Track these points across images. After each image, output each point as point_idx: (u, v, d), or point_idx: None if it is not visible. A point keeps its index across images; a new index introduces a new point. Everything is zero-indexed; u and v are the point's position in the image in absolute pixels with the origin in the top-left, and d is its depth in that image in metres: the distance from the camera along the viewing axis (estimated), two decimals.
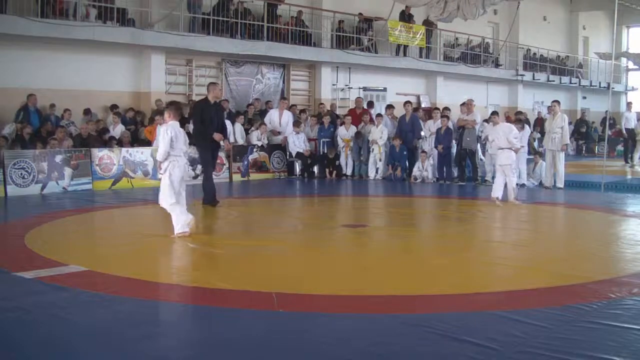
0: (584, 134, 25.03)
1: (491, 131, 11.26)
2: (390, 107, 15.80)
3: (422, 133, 14.44)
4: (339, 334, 4.13)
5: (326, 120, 15.09)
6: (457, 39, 22.84)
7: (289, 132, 14.93)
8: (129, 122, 14.18)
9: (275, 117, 15.10)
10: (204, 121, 9.72)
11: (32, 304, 4.72)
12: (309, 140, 15.08)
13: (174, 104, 7.72)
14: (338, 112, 17.22)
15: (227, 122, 14.21)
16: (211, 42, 15.47)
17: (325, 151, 14.91)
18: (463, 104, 14.32)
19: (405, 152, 14.21)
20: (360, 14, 19.66)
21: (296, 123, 15.05)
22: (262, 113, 15.92)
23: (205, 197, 9.88)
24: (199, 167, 13.39)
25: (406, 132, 14.33)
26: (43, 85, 13.48)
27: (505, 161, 10.27)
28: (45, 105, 13.33)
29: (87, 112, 13.94)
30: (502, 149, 10.35)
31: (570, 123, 24.60)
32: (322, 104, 16.85)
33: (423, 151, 14.07)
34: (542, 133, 11.97)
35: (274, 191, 12.81)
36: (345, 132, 14.79)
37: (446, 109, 14.97)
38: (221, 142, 10.09)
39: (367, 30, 19.75)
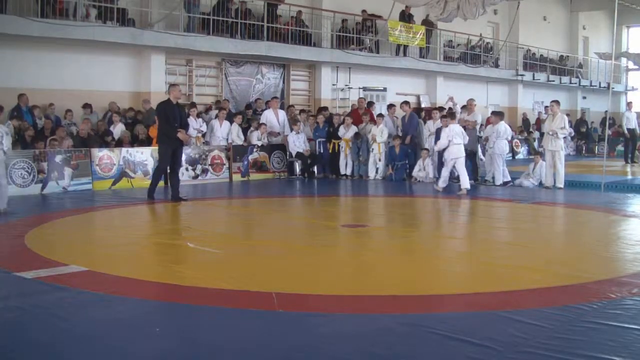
0: (584, 134, 25.05)
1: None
2: (391, 106, 15.79)
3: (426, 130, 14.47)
4: (339, 334, 4.13)
5: (320, 120, 15.08)
6: (451, 41, 22.83)
7: (288, 131, 14.94)
8: (129, 122, 14.19)
9: (272, 117, 15.09)
10: (168, 121, 10.30)
11: (32, 304, 4.72)
12: (309, 140, 15.07)
13: None
14: (338, 112, 17.19)
15: (227, 123, 14.32)
16: (211, 42, 15.47)
17: (322, 151, 14.91)
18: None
19: (410, 151, 14.23)
20: (364, 10, 19.64)
21: (294, 122, 15.04)
22: (256, 113, 15.99)
23: (150, 188, 10.59)
24: (199, 167, 13.48)
25: (409, 132, 14.33)
26: (43, 85, 13.50)
27: (458, 154, 12.08)
28: (45, 105, 13.33)
29: (86, 106, 13.93)
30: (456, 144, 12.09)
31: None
32: (325, 107, 16.82)
33: (424, 148, 14.04)
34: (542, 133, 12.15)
35: (274, 191, 12.81)
36: (344, 132, 14.77)
37: (442, 108, 14.95)
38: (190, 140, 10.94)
39: (371, 29, 19.71)
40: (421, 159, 13.97)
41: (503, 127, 13.36)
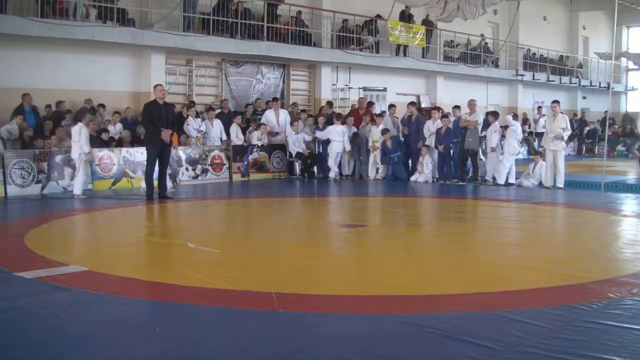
0: (589, 133, 25.05)
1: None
2: (392, 106, 15.77)
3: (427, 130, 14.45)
4: (339, 334, 4.13)
5: (321, 120, 15.06)
6: (452, 41, 22.82)
7: (288, 131, 14.94)
8: (129, 122, 14.17)
9: (272, 117, 15.09)
10: (152, 121, 10.43)
11: (32, 304, 4.72)
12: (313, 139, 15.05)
13: None
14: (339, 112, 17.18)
15: (217, 121, 14.29)
16: (211, 42, 15.47)
17: (322, 151, 14.91)
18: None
19: (401, 142, 14.20)
20: (378, 15, 19.60)
21: (292, 122, 15.04)
22: (256, 113, 15.98)
23: (147, 189, 10.73)
24: (199, 167, 13.48)
25: (411, 132, 14.30)
26: (43, 85, 13.49)
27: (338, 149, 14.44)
28: (45, 106, 13.32)
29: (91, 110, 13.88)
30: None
31: (576, 120, 24.65)
32: (330, 103, 16.84)
33: (425, 145, 14.00)
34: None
35: (274, 191, 12.81)
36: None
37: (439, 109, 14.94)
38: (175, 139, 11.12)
39: (374, 31, 19.69)
40: (420, 156, 13.97)
41: (519, 127, 13.95)
